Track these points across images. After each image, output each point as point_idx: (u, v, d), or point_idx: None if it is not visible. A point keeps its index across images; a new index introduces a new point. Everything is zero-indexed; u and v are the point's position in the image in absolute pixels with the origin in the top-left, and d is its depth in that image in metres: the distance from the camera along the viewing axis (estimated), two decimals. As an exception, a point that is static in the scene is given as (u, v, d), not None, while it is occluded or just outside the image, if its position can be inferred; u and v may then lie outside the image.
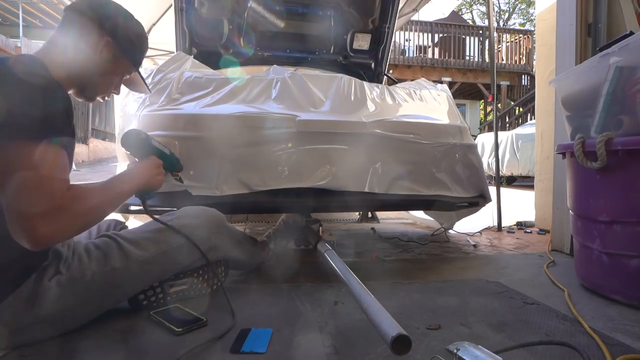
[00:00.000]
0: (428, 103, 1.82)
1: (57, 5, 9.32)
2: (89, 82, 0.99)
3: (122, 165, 1.60)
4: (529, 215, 2.77)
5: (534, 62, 10.45)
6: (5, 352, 0.85)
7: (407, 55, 10.88)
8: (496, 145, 2.84)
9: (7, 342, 0.87)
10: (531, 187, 3.82)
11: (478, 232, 2.39)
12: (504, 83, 11.24)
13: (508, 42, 11.64)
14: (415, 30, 10.87)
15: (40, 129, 0.77)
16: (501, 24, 19.56)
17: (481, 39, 11.33)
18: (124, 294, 1.04)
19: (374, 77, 2.99)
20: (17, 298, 0.84)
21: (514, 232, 2.47)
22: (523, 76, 11.56)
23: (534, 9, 5.33)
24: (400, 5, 3.05)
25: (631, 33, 1.30)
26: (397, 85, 2.03)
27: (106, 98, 1.07)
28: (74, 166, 1.01)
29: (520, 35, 11.81)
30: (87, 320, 0.98)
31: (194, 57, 1.82)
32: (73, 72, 0.94)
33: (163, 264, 1.07)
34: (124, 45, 1.01)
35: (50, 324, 0.89)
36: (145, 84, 1.15)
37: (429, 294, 1.24)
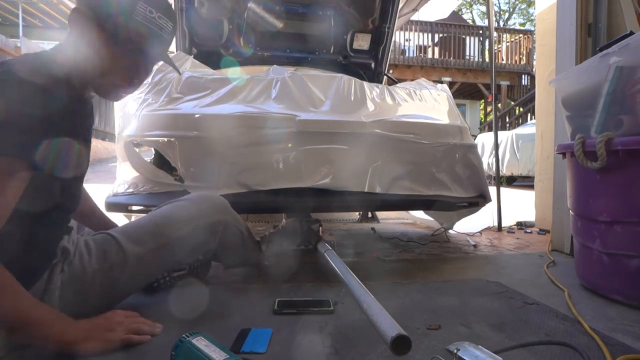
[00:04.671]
0: (428, 103, 1.82)
1: (57, 5, 9.33)
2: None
3: (121, 165, 1.60)
4: (529, 215, 2.77)
5: (534, 62, 10.45)
6: (5, 352, 0.85)
7: (407, 55, 10.88)
8: (496, 145, 2.84)
9: (14, 341, 0.86)
10: (531, 187, 3.82)
11: (478, 232, 2.39)
12: (504, 83, 11.24)
13: (508, 42, 11.64)
14: (415, 30, 10.87)
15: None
16: (501, 24, 19.56)
17: (481, 39, 11.33)
18: (126, 290, 1.03)
19: (374, 77, 2.99)
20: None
21: (514, 232, 2.47)
22: (523, 76, 11.57)
23: (534, 9, 5.33)
24: (400, 5, 3.05)
25: (631, 33, 1.30)
26: (397, 85, 2.03)
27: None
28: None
29: (520, 35, 11.81)
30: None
31: (194, 57, 1.82)
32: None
33: (163, 256, 1.04)
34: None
35: None
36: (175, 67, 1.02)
37: (429, 294, 1.24)
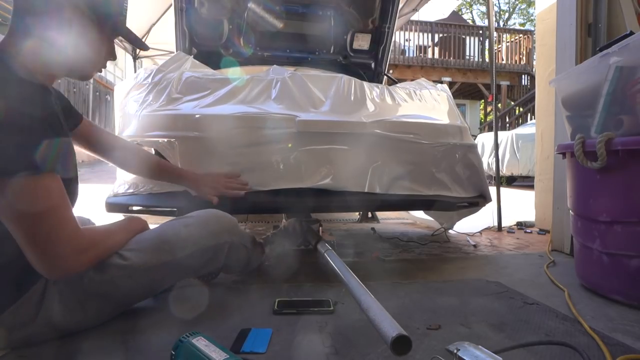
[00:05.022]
0: (428, 103, 1.82)
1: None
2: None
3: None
4: (529, 215, 2.77)
5: (534, 62, 10.45)
6: (5, 353, 0.85)
7: (407, 55, 10.88)
8: (496, 145, 2.84)
9: (15, 341, 0.87)
10: (531, 187, 3.82)
11: (478, 232, 2.39)
12: (504, 83, 11.24)
13: (508, 42, 11.64)
14: (415, 30, 10.87)
15: (43, 160, 0.76)
16: (501, 24, 19.57)
17: (481, 39, 11.34)
18: (127, 301, 1.02)
19: (374, 77, 2.99)
20: (29, 299, 0.85)
21: (514, 232, 2.47)
22: (523, 76, 11.57)
23: (534, 9, 5.33)
24: (400, 5, 3.05)
25: (631, 33, 1.30)
26: (397, 85, 2.03)
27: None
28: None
29: (520, 35, 11.81)
30: (93, 324, 0.96)
31: (194, 57, 1.82)
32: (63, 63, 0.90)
33: (166, 274, 1.04)
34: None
35: (53, 326, 0.89)
36: (139, 40, 1.05)
37: (429, 294, 1.24)
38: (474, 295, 1.24)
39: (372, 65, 2.98)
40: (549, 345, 0.88)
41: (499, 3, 20.75)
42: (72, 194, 0.96)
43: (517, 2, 20.71)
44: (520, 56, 11.52)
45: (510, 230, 2.51)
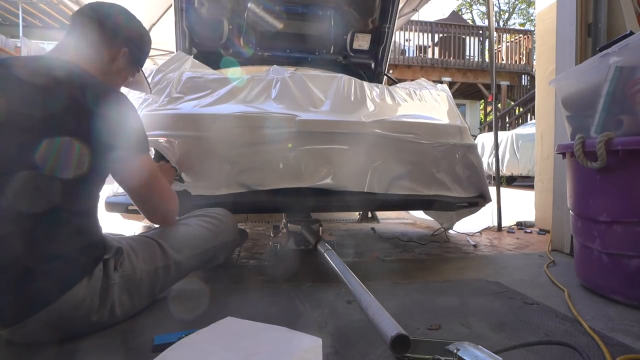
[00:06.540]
0: (428, 103, 1.82)
1: (57, 5, 9.33)
2: None
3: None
4: (529, 215, 2.77)
5: (534, 62, 10.45)
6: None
7: (407, 55, 10.87)
8: (496, 145, 2.84)
9: (74, 329, 0.91)
10: (531, 187, 3.82)
11: (478, 232, 2.39)
12: (504, 83, 11.23)
13: (508, 42, 11.64)
14: (415, 30, 10.86)
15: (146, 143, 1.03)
16: (501, 24, 19.56)
17: (481, 39, 11.33)
18: (161, 290, 1.12)
19: (374, 77, 2.99)
20: (93, 292, 0.89)
21: (514, 232, 2.47)
22: (523, 76, 11.56)
23: (534, 9, 5.33)
24: (400, 5, 3.05)
25: (631, 33, 1.30)
26: (397, 85, 2.03)
27: None
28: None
29: (520, 35, 11.81)
30: (126, 318, 1.02)
31: (194, 57, 1.82)
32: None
33: (192, 265, 1.18)
34: (136, 53, 1.11)
35: (112, 315, 0.95)
36: (148, 83, 1.24)
37: (429, 294, 1.24)
38: (473, 295, 1.24)
39: (372, 65, 2.98)
40: (549, 345, 0.88)
41: (499, 3, 20.74)
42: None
43: (517, 2, 20.70)
44: (520, 56, 11.51)
45: (510, 230, 2.51)
